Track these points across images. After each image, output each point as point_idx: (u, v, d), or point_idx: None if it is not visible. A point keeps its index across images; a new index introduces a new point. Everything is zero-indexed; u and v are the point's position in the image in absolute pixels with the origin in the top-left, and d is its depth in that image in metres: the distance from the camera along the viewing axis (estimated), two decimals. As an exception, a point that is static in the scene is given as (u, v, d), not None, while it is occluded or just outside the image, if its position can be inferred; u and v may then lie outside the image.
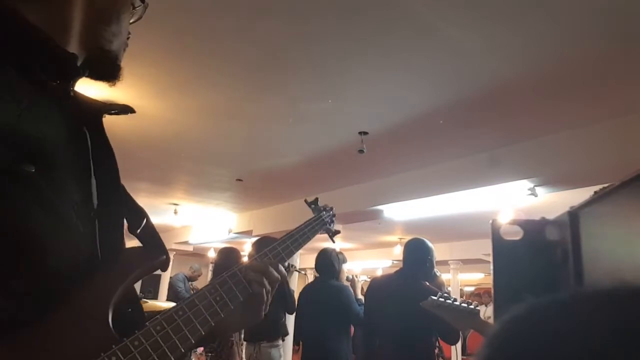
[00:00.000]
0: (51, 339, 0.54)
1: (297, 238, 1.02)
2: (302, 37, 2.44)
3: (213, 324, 0.70)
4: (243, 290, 0.79)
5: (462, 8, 2.12)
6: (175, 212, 7.37)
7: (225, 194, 6.44)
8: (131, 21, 0.77)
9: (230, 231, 7.83)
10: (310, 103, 3.24)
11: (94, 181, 0.65)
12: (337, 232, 1.32)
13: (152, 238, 0.72)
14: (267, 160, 4.71)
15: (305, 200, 1.30)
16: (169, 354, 0.61)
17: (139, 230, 0.71)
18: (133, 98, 3.25)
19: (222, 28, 2.39)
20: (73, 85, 0.69)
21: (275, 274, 0.84)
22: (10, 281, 0.53)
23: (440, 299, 1.69)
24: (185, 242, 9.61)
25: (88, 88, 0.75)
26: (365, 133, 3.70)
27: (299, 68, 2.77)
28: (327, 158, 4.44)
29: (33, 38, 0.60)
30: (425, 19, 2.21)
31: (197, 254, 10.56)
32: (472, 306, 1.72)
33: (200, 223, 8.91)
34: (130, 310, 0.62)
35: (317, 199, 1.30)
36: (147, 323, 0.62)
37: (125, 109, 0.74)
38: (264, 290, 0.82)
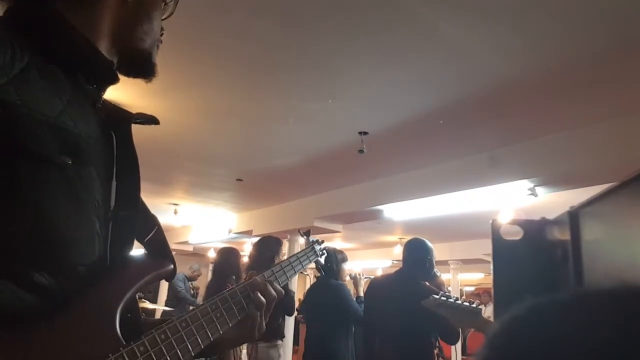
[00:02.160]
0: (63, 337, 0.55)
1: (294, 265, 1.07)
2: (302, 37, 2.44)
3: (212, 339, 0.71)
4: (241, 310, 0.80)
5: (463, 8, 2.12)
6: (175, 212, 7.37)
7: (225, 194, 6.44)
8: (163, 17, 0.80)
9: (230, 231, 7.83)
10: (310, 103, 3.24)
11: (114, 184, 0.67)
12: (326, 265, 1.40)
13: (160, 247, 0.74)
14: (267, 160, 4.71)
15: (299, 231, 1.40)
16: None
17: (147, 239, 0.73)
18: (133, 98, 3.25)
19: (222, 28, 2.39)
20: (104, 91, 0.72)
21: (273, 292, 0.86)
22: (34, 274, 0.54)
23: (442, 298, 1.69)
24: (185, 242, 9.61)
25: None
26: (365, 133, 3.69)
27: (299, 68, 2.77)
28: (327, 158, 4.44)
29: (78, 43, 0.64)
30: (425, 19, 2.21)
31: (197, 254, 10.56)
32: (473, 305, 1.72)
33: (200, 223, 8.91)
34: (129, 315, 0.64)
35: (309, 230, 1.40)
36: (152, 330, 0.63)
37: (151, 120, 0.77)
38: (261, 310, 0.83)
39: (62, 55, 0.63)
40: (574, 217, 1.22)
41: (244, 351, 3.81)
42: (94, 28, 0.68)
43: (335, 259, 3.40)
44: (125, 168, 0.70)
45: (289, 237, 6.38)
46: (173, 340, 0.64)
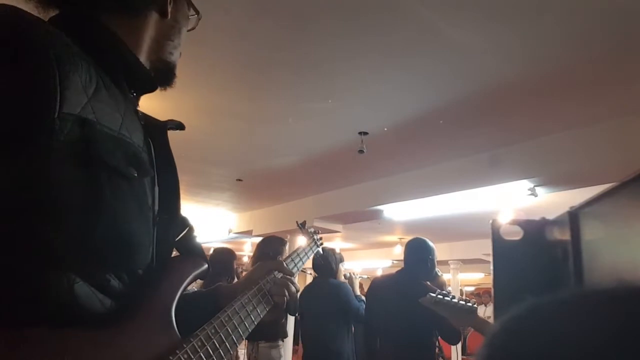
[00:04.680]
0: (132, 337, 0.59)
1: (301, 258, 1.13)
2: (302, 37, 2.44)
3: (250, 331, 0.78)
4: (267, 303, 0.88)
5: (463, 8, 2.12)
6: (176, 212, 7.36)
7: (225, 194, 6.44)
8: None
9: (230, 231, 7.83)
10: (310, 103, 3.24)
11: (157, 189, 0.71)
12: (323, 264, 1.43)
13: (193, 248, 0.78)
14: (267, 160, 4.71)
15: (296, 222, 1.43)
16: (223, 355, 0.69)
17: (178, 238, 0.77)
18: (133, 98, 3.25)
19: (222, 28, 2.39)
20: (139, 100, 0.76)
21: (293, 288, 0.93)
22: (109, 277, 0.59)
23: (439, 296, 1.69)
24: (185, 242, 9.62)
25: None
26: (365, 133, 3.70)
27: (299, 68, 2.77)
28: (327, 158, 4.44)
29: (126, 54, 0.68)
30: (425, 20, 2.21)
31: (197, 254, 10.57)
32: (469, 304, 1.72)
33: (200, 223, 8.91)
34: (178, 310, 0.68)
35: (305, 222, 1.43)
36: (204, 326, 0.69)
37: (180, 126, 0.85)
38: (284, 300, 0.90)
39: (114, 67, 0.66)
40: (574, 217, 1.22)
41: (242, 351, 3.81)
42: (134, 41, 0.71)
43: (334, 258, 3.41)
44: (165, 173, 0.74)
45: (289, 237, 6.36)
46: (222, 334, 0.71)
